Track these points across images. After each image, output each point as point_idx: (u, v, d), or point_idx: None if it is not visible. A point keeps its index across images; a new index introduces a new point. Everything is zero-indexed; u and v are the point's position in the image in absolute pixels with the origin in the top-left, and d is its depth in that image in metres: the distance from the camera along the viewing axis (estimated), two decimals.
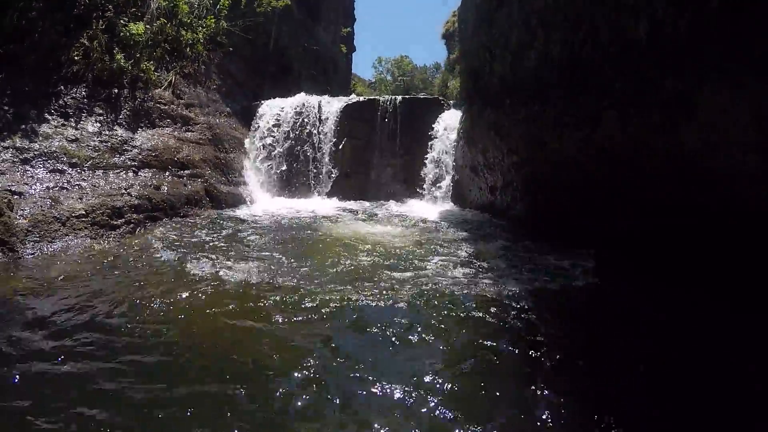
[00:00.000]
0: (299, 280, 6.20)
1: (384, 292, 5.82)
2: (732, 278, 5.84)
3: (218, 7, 15.23)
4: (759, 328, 4.87)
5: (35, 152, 8.95)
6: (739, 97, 5.60)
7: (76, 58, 10.73)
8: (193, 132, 12.76)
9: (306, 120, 15.72)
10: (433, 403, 3.48)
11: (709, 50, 5.78)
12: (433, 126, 14.83)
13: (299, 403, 3.48)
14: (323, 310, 5.18)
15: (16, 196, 7.77)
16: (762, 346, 4.50)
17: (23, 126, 9.27)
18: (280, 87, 18.73)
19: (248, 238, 8.85)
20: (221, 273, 6.41)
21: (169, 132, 11.99)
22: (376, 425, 3.24)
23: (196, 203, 11.01)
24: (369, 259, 7.37)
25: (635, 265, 7.11)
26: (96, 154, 9.81)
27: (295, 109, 15.85)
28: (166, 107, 12.29)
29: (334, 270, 6.71)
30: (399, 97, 16.28)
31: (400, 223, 10.84)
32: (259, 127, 15.69)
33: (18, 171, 8.48)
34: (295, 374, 3.82)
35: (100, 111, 10.71)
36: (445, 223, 10.95)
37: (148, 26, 12.42)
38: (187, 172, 11.53)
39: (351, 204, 14.31)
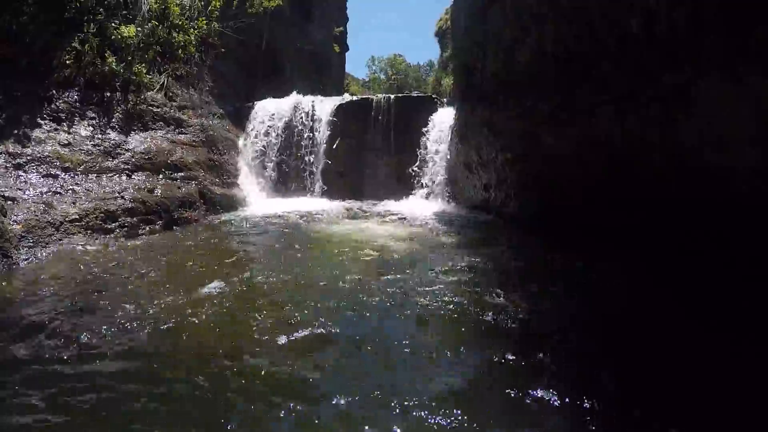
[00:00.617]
0: (293, 286, 6.13)
1: (384, 300, 5.68)
2: (736, 275, 5.83)
3: (210, 8, 15.18)
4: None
5: (28, 157, 8.92)
6: (738, 90, 5.60)
7: (67, 61, 10.67)
8: (187, 134, 12.71)
9: (299, 120, 15.73)
10: None
11: (708, 43, 5.77)
12: (426, 124, 14.83)
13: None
14: (319, 326, 4.88)
15: (9, 202, 7.75)
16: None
17: (15, 131, 9.24)
18: (273, 87, 18.69)
19: (242, 240, 8.85)
20: (217, 277, 6.40)
21: (162, 134, 11.95)
22: None
23: (191, 205, 10.98)
24: (366, 261, 7.32)
25: (633, 261, 7.09)
26: (89, 158, 9.78)
27: (289, 109, 15.86)
28: (159, 110, 12.24)
29: (330, 274, 6.62)
30: (392, 96, 16.29)
31: (394, 222, 10.83)
32: (252, 128, 15.70)
33: (11, 176, 8.45)
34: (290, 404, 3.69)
35: (93, 115, 10.67)
36: (439, 222, 10.95)
37: (139, 29, 12.36)
38: (180, 174, 11.50)
39: (345, 203, 14.31)
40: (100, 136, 10.41)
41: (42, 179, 8.74)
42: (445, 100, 16.25)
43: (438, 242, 8.74)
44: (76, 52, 10.85)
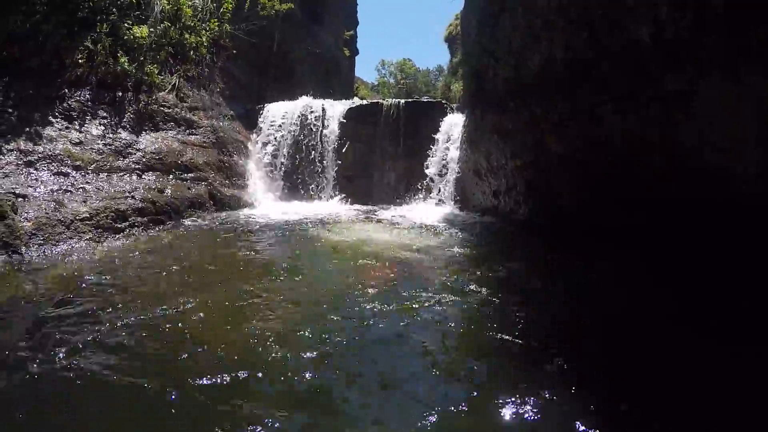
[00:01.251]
0: (300, 294, 6.05)
1: (395, 312, 5.42)
2: (737, 276, 5.82)
3: (222, 10, 15.23)
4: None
5: (39, 155, 8.95)
6: (739, 91, 5.58)
7: (80, 61, 10.73)
8: (197, 135, 12.77)
9: (309, 123, 15.76)
10: None
11: (709, 44, 5.76)
12: (436, 129, 14.82)
13: None
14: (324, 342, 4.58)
15: (20, 199, 7.78)
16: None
17: (27, 129, 9.27)
18: (284, 90, 18.76)
19: (251, 242, 8.85)
20: (227, 278, 6.41)
21: (173, 135, 12.00)
22: None
23: (200, 206, 11.02)
24: (376, 268, 7.24)
25: (639, 263, 7.08)
26: (100, 157, 9.82)
27: (299, 112, 15.89)
28: (170, 110, 12.30)
29: (339, 282, 6.55)
30: (402, 101, 16.32)
31: (403, 227, 10.81)
32: (262, 130, 15.73)
33: (22, 174, 8.48)
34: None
35: (104, 114, 10.71)
36: (448, 227, 10.93)
37: (151, 29, 12.42)
38: (190, 175, 11.55)
39: (354, 207, 14.33)
40: (111, 135, 10.45)
41: (53, 177, 8.77)
42: (454, 105, 16.22)
43: (447, 248, 8.70)
44: (89, 52, 10.90)
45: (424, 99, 20.98)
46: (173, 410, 3.33)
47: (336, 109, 16.05)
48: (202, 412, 3.32)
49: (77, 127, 10.05)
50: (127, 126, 11.00)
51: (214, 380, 3.68)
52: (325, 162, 15.70)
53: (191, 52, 13.85)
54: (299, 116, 15.84)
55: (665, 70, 6.40)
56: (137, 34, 11.82)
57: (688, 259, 6.48)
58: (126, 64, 11.40)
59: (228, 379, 3.71)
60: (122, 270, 6.61)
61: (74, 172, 9.15)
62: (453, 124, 14.54)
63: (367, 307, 5.39)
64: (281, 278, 6.43)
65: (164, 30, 12.89)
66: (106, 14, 11.44)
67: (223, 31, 15.31)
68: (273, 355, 4.16)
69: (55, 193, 8.42)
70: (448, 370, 4.08)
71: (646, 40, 6.57)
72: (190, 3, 13.90)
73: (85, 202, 8.51)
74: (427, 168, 14.73)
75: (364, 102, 17.58)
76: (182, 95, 13.06)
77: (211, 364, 3.93)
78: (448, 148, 14.46)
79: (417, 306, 5.36)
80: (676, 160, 6.64)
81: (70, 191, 8.67)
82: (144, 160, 10.61)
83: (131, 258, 7.29)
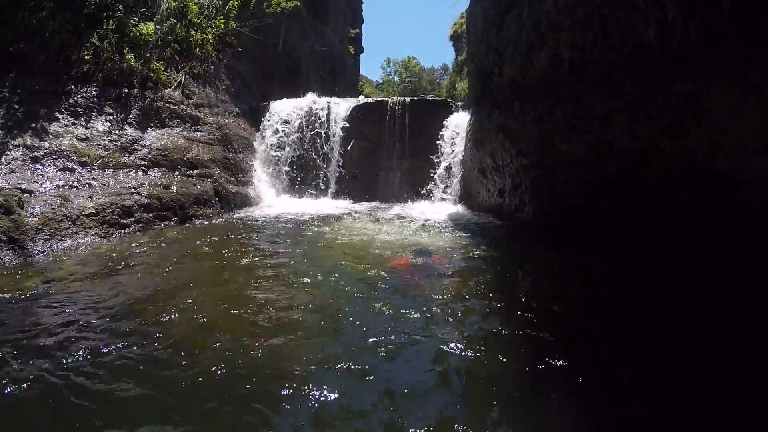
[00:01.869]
0: (300, 294, 5.92)
1: (401, 315, 5.17)
2: (746, 282, 5.80)
3: (227, 7, 15.26)
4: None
5: (45, 151, 8.99)
6: (749, 98, 5.59)
7: (86, 57, 10.78)
8: (202, 132, 12.79)
9: (314, 121, 15.77)
10: None
11: (719, 52, 5.77)
12: (441, 128, 14.81)
13: None
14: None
15: (26, 195, 7.80)
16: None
17: (33, 125, 9.31)
18: (289, 88, 18.79)
19: (255, 240, 8.85)
20: (231, 273, 6.41)
21: (179, 132, 12.03)
22: None
23: (205, 203, 11.04)
24: (380, 267, 7.18)
25: (643, 267, 7.07)
26: (106, 153, 9.85)
27: (304, 109, 15.91)
28: (176, 107, 12.32)
29: (343, 285, 6.39)
30: (408, 99, 16.30)
31: (408, 226, 10.80)
32: (267, 127, 15.74)
33: (28, 169, 8.52)
34: None
35: (110, 110, 10.75)
36: (453, 226, 10.90)
37: (158, 26, 12.45)
38: (196, 171, 11.57)
39: (359, 205, 14.33)
40: (117, 131, 10.49)
41: (59, 173, 8.80)
42: (459, 104, 16.22)
43: (452, 247, 8.68)
44: (95, 48, 10.96)
45: (429, 97, 20.96)
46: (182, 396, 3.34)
47: (341, 107, 16.06)
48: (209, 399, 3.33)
49: (83, 123, 10.08)
50: (133, 122, 11.04)
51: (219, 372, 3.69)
52: (329, 160, 15.72)
53: (197, 50, 13.88)
54: (304, 114, 15.86)
55: (675, 77, 6.40)
56: (143, 31, 11.85)
57: (696, 266, 6.46)
58: (132, 60, 11.43)
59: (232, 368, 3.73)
60: (128, 265, 6.61)
61: (80, 167, 9.18)
62: (458, 122, 14.53)
63: (376, 311, 5.34)
64: (284, 277, 6.41)
65: (170, 27, 12.92)
66: (112, 11, 11.47)
67: (228, 28, 15.34)
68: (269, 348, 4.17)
69: (61, 189, 8.44)
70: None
71: (652, 40, 6.57)
72: (196, 0, 13.92)
73: (90, 197, 8.53)
74: (432, 166, 14.72)
75: (369, 100, 17.57)
76: (188, 92, 13.08)
77: (216, 357, 3.93)
78: (453, 147, 14.45)
79: (426, 309, 5.30)
80: (686, 166, 6.64)
81: (76, 187, 8.70)
82: (150, 156, 10.64)
83: (137, 253, 7.29)
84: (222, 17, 14.94)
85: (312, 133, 15.74)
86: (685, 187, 6.79)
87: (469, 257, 7.80)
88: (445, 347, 4.26)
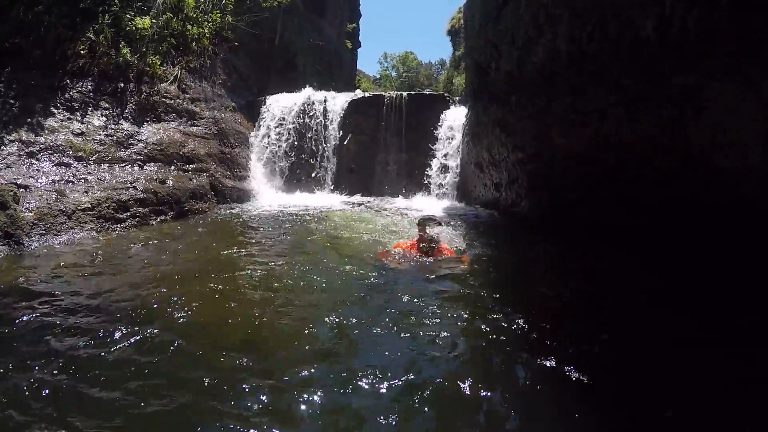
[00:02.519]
0: (298, 289, 5.83)
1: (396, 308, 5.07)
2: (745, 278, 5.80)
3: (224, 1, 15.22)
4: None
5: (41, 146, 8.97)
6: (748, 93, 5.58)
7: (82, 52, 10.73)
8: (199, 126, 12.77)
9: (311, 115, 15.76)
10: None
11: (718, 47, 5.75)
12: (438, 122, 14.82)
13: None
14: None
15: (22, 189, 7.79)
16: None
17: (29, 119, 9.29)
18: (285, 82, 18.75)
19: (252, 234, 8.84)
20: (226, 267, 6.40)
21: (175, 126, 12.00)
22: None
23: (201, 197, 11.02)
24: (373, 260, 7.13)
25: (638, 261, 7.06)
26: (102, 147, 9.83)
27: (301, 104, 15.88)
28: (172, 101, 12.30)
29: (340, 278, 6.33)
30: (405, 93, 16.30)
31: (404, 220, 10.79)
32: (264, 122, 15.71)
33: (24, 164, 8.50)
34: None
35: (106, 105, 10.72)
36: (450, 220, 10.90)
37: (154, 21, 12.41)
38: (192, 166, 11.55)
39: (355, 199, 14.35)
40: (113, 126, 10.46)
41: (55, 168, 8.78)
42: (457, 98, 16.21)
43: (450, 241, 8.67)
44: (91, 43, 10.92)
45: (427, 92, 20.95)
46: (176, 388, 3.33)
47: (338, 101, 16.04)
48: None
49: (79, 118, 10.06)
50: (129, 117, 11.01)
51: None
52: (326, 154, 15.72)
53: (193, 44, 13.83)
54: (301, 108, 15.84)
55: (674, 72, 6.39)
56: (139, 25, 11.80)
57: (695, 263, 6.46)
58: (128, 55, 11.39)
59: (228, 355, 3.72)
60: (123, 260, 6.61)
61: (76, 162, 9.16)
62: (455, 116, 14.55)
63: (371, 306, 5.32)
64: (280, 270, 6.40)
65: (166, 21, 12.89)
66: (108, 5, 11.43)
67: (225, 22, 15.29)
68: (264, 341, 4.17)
69: (56, 184, 8.43)
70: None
71: (650, 34, 6.55)
72: None
73: (86, 192, 8.52)
74: (429, 160, 14.72)
75: (366, 94, 17.56)
76: (184, 86, 13.05)
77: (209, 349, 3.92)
78: (450, 141, 14.46)
79: (417, 301, 5.28)
80: (685, 161, 6.64)
81: (72, 182, 8.69)
82: (146, 151, 10.62)
83: (132, 247, 7.29)
84: (218, 11, 14.89)
85: (309, 127, 15.72)
86: (683, 182, 6.78)
87: (463, 250, 7.78)
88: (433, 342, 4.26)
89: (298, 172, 15.49)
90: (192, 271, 6.20)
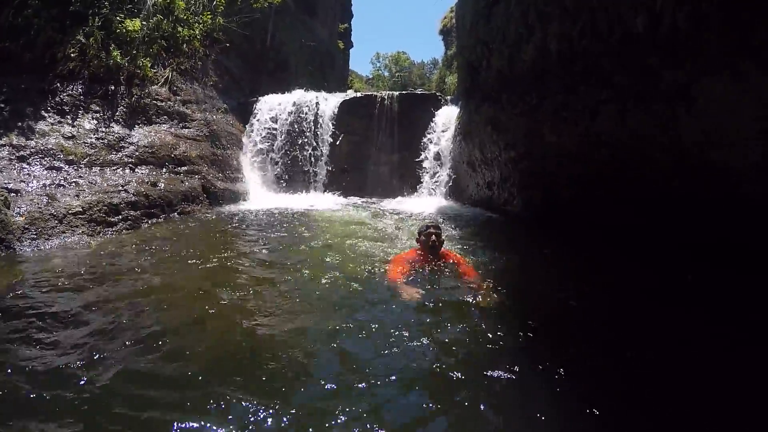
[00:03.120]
0: (294, 291, 5.79)
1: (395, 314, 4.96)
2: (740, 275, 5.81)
3: (214, 3, 15.21)
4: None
5: (32, 150, 8.93)
6: (740, 88, 5.58)
7: (72, 55, 10.71)
8: (190, 128, 12.74)
9: (303, 116, 15.75)
10: None
11: (708, 41, 5.76)
12: (430, 122, 14.84)
13: None
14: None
15: (12, 194, 7.75)
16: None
17: (19, 123, 9.26)
18: (277, 83, 18.76)
19: (244, 236, 8.83)
20: (219, 270, 6.39)
21: (166, 128, 11.97)
22: None
23: (194, 200, 11.00)
24: (369, 262, 7.12)
25: (631, 260, 7.08)
26: (93, 151, 9.79)
27: (293, 105, 15.89)
28: (163, 104, 12.26)
29: (334, 278, 6.21)
30: (396, 93, 16.35)
31: (397, 219, 10.79)
32: (256, 123, 15.71)
33: (14, 168, 8.47)
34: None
35: (97, 108, 10.68)
36: (442, 218, 10.92)
37: (144, 23, 12.37)
38: (184, 168, 11.52)
39: (348, 200, 14.37)
40: (104, 129, 10.42)
41: (45, 172, 8.75)
42: (449, 98, 16.25)
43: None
44: (81, 46, 10.89)
45: (419, 92, 20.96)
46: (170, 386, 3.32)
47: (330, 101, 16.06)
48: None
49: (70, 122, 10.02)
50: (120, 120, 10.96)
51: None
52: (319, 154, 15.72)
53: (184, 45, 13.82)
54: (293, 109, 15.84)
55: (665, 67, 6.39)
56: (129, 28, 11.77)
57: (692, 262, 6.48)
58: (118, 57, 11.35)
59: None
60: (115, 263, 6.58)
61: (67, 166, 9.12)
62: (447, 116, 14.59)
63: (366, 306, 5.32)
64: (274, 271, 6.40)
65: (157, 23, 12.86)
66: (98, 8, 11.40)
67: (216, 24, 15.28)
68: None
69: (47, 188, 8.39)
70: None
71: (641, 30, 6.56)
72: None
73: (77, 196, 8.48)
74: (422, 160, 14.74)
75: (358, 94, 17.58)
76: (175, 88, 13.02)
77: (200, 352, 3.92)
78: (442, 141, 14.48)
79: (417, 309, 5.21)
80: (678, 158, 6.65)
81: (63, 185, 8.65)
82: (137, 153, 10.58)
83: (124, 251, 7.26)
84: (209, 13, 14.87)
85: (301, 128, 15.72)
86: (677, 178, 6.80)
87: (455, 248, 7.77)
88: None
89: (290, 173, 15.49)
90: (182, 274, 6.18)
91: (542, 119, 9.15)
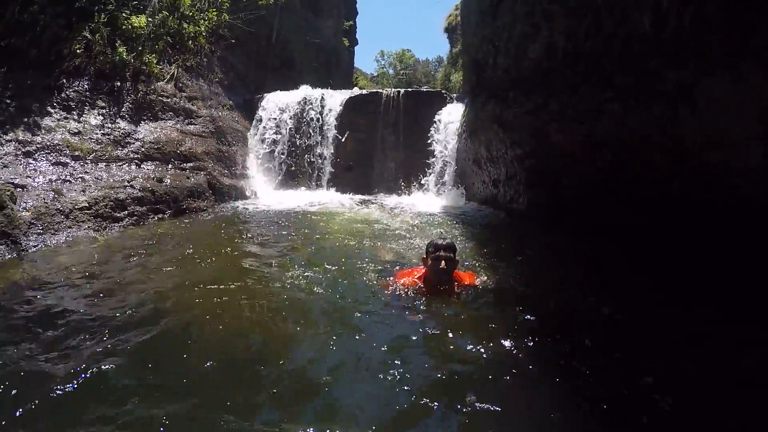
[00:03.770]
0: (293, 285, 5.81)
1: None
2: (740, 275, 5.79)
3: (220, 0, 15.21)
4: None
5: (38, 145, 8.95)
6: (742, 89, 5.58)
7: (78, 51, 10.71)
8: (196, 125, 12.75)
9: (309, 113, 15.75)
10: None
11: (711, 42, 5.75)
12: (436, 119, 14.80)
13: None
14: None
15: (19, 189, 7.76)
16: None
17: (26, 119, 9.27)
18: (283, 80, 18.75)
19: (250, 232, 8.85)
20: (225, 267, 6.39)
21: (172, 125, 11.98)
22: None
23: (199, 196, 11.02)
24: (375, 261, 7.05)
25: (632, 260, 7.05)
26: (98, 146, 9.80)
27: (298, 102, 15.89)
28: (169, 100, 12.27)
29: (334, 275, 6.24)
30: (402, 90, 16.32)
31: (403, 217, 10.79)
32: (261, 120, 15.71)
33: (21, 164, 8.48)
34: None
35: (103, 104, 10.69)
36: (446, 216, 10.92)
37: (150, 19, 12.37)
38: (189, 164, 11.54)
39: (353, 197, 14.34)
40: (110, 125, 10.44)
41: (52, 167, 8.76)
42: (454, 95, 16.22)
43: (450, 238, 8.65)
44: (87, 42, 10.90)
45: (424, 89, 20.94)
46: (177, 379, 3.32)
47: (335, 98, 16.05)
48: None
49: (76, 117, 10.04)
50: (126, 116, 10.98)
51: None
52: (324, 152, 15.71)
53: (190, 42, 13.81)
54: (298, 106, 15.84)
55: (667, 68, 6.38)
56: (135, 24, 11.78)
57: (695, 260, 6.46)
58: (124, 53, 11.35)
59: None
60: (120, 258, 6.59)
61: (73, 161, 9.13)
62: (453, 113, 14.53)
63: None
64: (279, 268, 6.40)
65: (162, 19, 12.85)
66: (104, 4, 11.40)
67: (221, 20, 15.26)
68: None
69: (53, 183, 8.40)
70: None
71: (647, 29, 6.54)
72: None
73: (83, 191, 8.50)
74: (427, 157, 14.71)
75: (364, 92, 17.56)
76: (181, 85, 13.03)
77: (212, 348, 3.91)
78: (447, 138, 14.44)
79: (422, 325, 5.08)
80: (678, 158, 6.64)
81: (69, 181, 8.66)
82: (143, 149, 10.59)
83: (129, 246, 7.27)
84: (215, 9, 14.85)
85: (306, 124, 15.72)
86: (679, 179, 6.79)
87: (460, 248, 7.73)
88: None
89: (295, 170, 15.51)
90: (187, 271, 6.16)
91: (548, 118, 9.14)
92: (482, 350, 4.01)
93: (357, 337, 4.35)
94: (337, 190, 15.23)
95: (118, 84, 11.22)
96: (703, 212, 6.53)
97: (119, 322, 4.37)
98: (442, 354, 4.05)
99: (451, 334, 4.29)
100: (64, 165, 8.95)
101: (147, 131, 11.10)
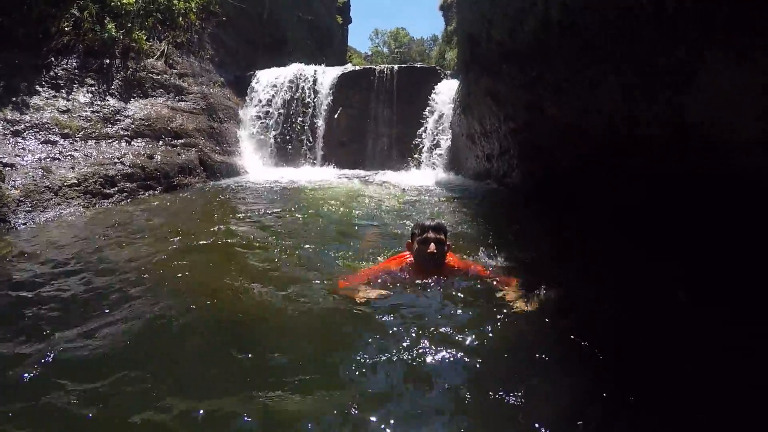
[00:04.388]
0: (286, 257, 5.75)
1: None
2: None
3: None
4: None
5: (26, 124, 8.88)
6: (743, 65, 5.51)
7: (66, 29, 10.62)
8: (187, 102, 12.69)
9: (301, 89, 15.71)
10: None
11: (713, 17, 5.67)
12: (429, 95, 14.74)
13: None
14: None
15: (7, 168, 7.71)
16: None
17: (14, 98, 9.20)
18: (275, 58, 18.61)
19: (241, 208, 8.79)
20: (214, 236, 6.36)
21: (162, 102, 11.91)
22: None
23: (190, 172, 10.97)
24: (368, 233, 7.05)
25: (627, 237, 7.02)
26: (88, 124, 9.74)
27: (290, 78, 15.81)
28: (159, 77, 12.19)
29: (323, 247, 6.20)
30: (396, 66, 16.26)
31: (395, 191, 10.77)
32: (253, 97, 15.66)
33: (9, 143, 8.42)
34: None
35: (92, 81, 10.63)
36: (441, 190, 10.91)
37: None
38: (180, 141, 11.48)
39: (346, 172, 14.33)
40: (99, 102, 10.37)
41: (40, 145, 8.70)
42: (448, 72, 16.15)
43: (442, 209, 8.64)
44: (75, 19, 10.79)
45: (418, 65, 20.85)
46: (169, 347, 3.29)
47: (328, 75, 15.98)
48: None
49: (64, 95, 9.97)
50: (116, 93, 10.91)
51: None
52: (316, 128, 15.69)
53: (180, 19, 13.70)
54: (291, 82, 15.78)
55: (668, 43, 6.30)
56: (124, 1, 11.66)
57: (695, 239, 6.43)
58: (113, 30, 11.25)
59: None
60: (109, 234, 6.53)
61: (62, 139, 9.07)
62: (447, 89, 14.48)
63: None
64: (269, 244, 6.35)
65: None
66: None
67: None
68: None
69: (42, 161, 8.35)
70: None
71: (645, 3, 6.46)
72: None
73: (73, 168, 8.45)
74: (421, 133, 14.67)
75: (357, 68, 17.48)
76: (171, 62, 12.95)
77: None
78: (441, 113, 14.40)
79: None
80: (678, 133, 6.57)
81: (58, 159, 8.61)
82: (133, 126, 10.54)
83: (119, 221, 7.20)
84: None
85: (298, 101, 15.66)
86: (678, 154, 6.73)
87: (452, 221, 7.72)
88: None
89: (287, 146, 15.47)
90: (176, 246, 6.08)
91: (542, 91, 9.06)
92: (485, 342, 3.89)
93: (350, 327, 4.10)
94: (329, 166, 15.23)
95: (108, 61, 11.13)
96: (709, 188, 6.47)
97: (102, 300, 4.31)
98: (437, 340, 3.84)
99: (443, 329, 3.98)
100: (53, 143, 8.88)
101: (137, 108, 11.03)
